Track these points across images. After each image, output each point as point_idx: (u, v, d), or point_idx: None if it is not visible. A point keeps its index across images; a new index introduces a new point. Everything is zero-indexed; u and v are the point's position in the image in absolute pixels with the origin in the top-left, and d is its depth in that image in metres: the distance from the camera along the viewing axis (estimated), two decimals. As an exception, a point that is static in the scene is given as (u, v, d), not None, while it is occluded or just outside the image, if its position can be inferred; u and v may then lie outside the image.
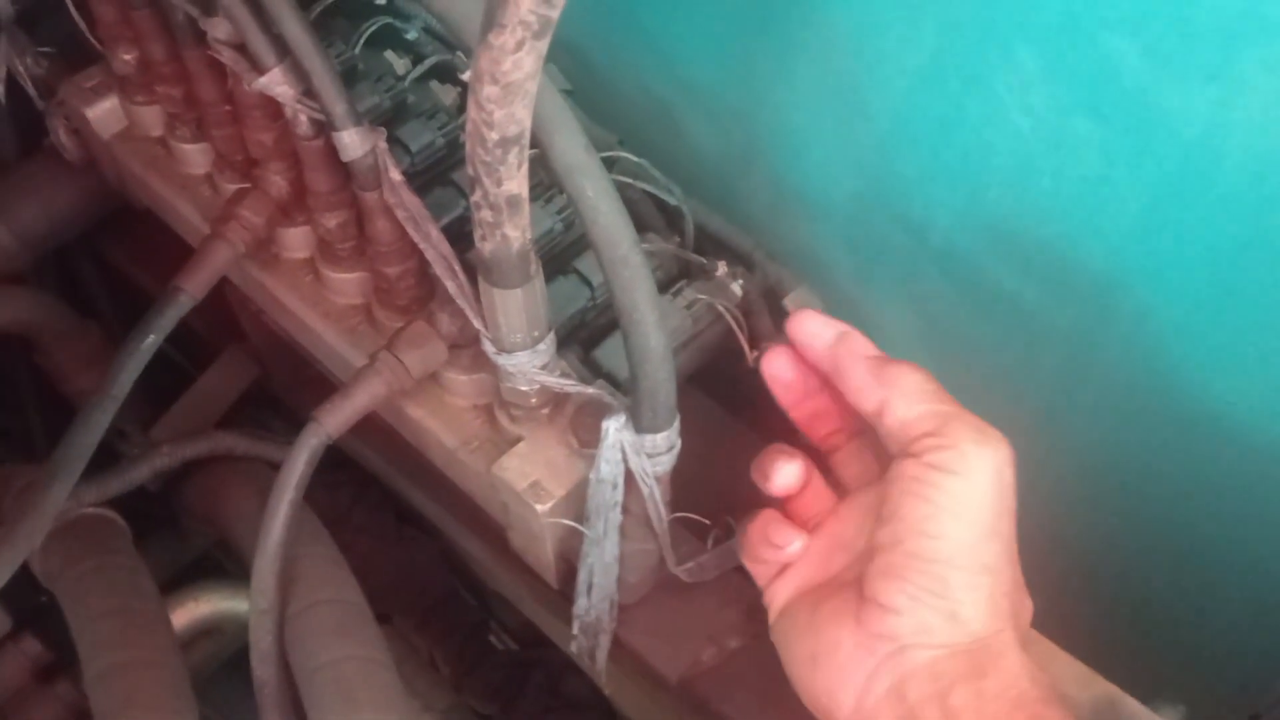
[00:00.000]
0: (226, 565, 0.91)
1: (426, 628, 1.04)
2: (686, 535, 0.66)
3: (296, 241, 0.71)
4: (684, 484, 0.62)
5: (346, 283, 0.68)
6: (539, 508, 0.59)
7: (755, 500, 0.70)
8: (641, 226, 0.74)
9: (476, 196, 0.48)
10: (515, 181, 0.48)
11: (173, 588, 0.82)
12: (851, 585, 0.50)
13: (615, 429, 0.55)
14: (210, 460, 0.78)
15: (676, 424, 0.56)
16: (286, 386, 0.92)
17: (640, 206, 0.75)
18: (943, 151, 0.65)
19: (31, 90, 0.86)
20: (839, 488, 0.56)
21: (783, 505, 0.56)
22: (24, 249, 0.90)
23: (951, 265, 0.68)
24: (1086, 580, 0.70)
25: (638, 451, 0.55)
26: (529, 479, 0.60)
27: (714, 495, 0.71)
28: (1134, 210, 0.58)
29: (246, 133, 0.67)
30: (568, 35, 0.86)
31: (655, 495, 0.58)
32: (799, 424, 0.56)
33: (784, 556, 0.54)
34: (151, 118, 0.78)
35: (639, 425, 0.55)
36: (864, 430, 0.54)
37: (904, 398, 0.48)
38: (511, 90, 0.43)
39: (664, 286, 0.69)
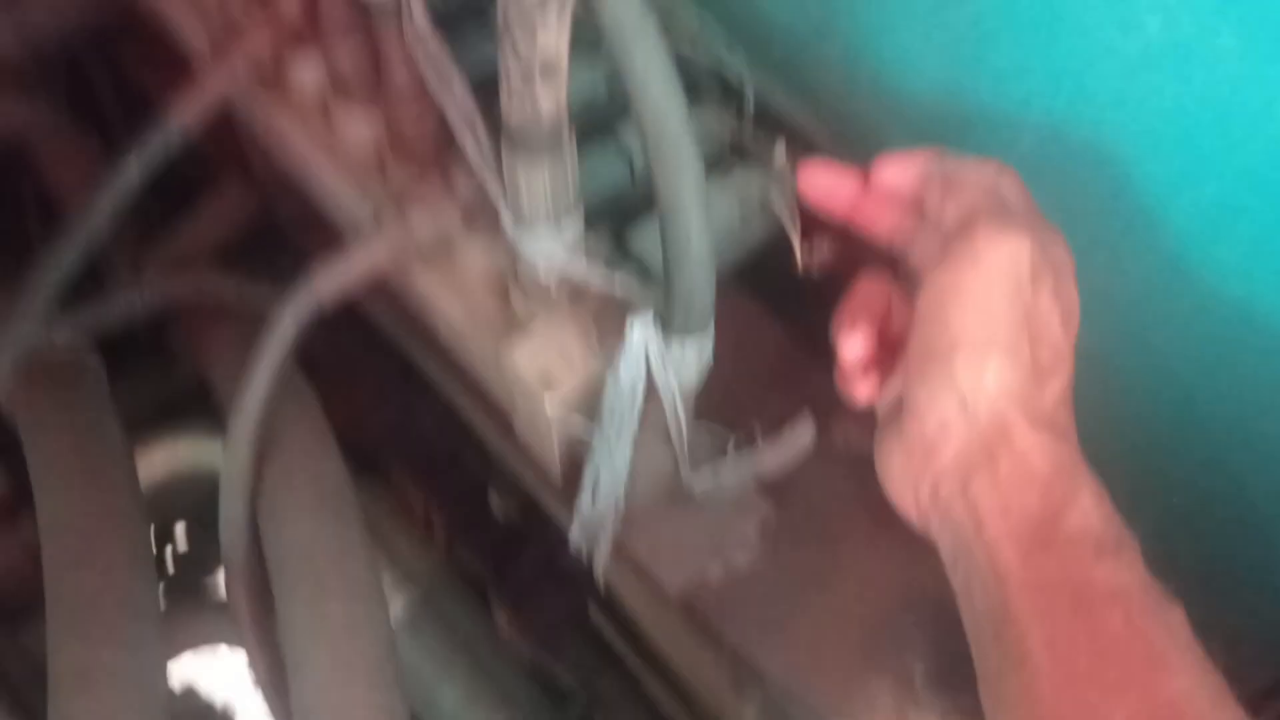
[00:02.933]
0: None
1: (425, 483, 1.00)
2: (706, 443, 0.61)
3: (308, 74, 0.63)
4: (709, 385, 0.56)
5: (359, 125, 0.61)
6: (547, 399, 0.54)
7: (785, 411, 0.64)
8: (694, 95, 0.66)
9: (506, 53, 0.41)
10: (553, 38, 0.40)
11: (160, 421, 0.78)
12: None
13: (640, 329, 0.49)
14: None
15: (711, 332, 0.49)
16: (296, 225, 0.85)
17: (694, 71, 0.67)
18: (1047, 46, 0.56)
19: None
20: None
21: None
22: (28, 49, 0.83)
23: (1037, 175, 0.60)
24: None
25: (663, 360, 0.49)
26: (539, 367, 0.54)
27: (742, 400, 0.65)
28: (1264, 137, 0.50)
29: (258, -58, 0.59)
30: None
31: (678, 408, 0.52)
32: (858, 230, 0.55)
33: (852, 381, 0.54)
34: (160, -87, 0.69)
35: (669, 329, 0.48)
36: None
37: (956, 198, 0.49)
38: (558, -73, 0.35)
39: (712, 165, 0.62)
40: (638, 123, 0.43)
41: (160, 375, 0.86)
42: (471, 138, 0.50)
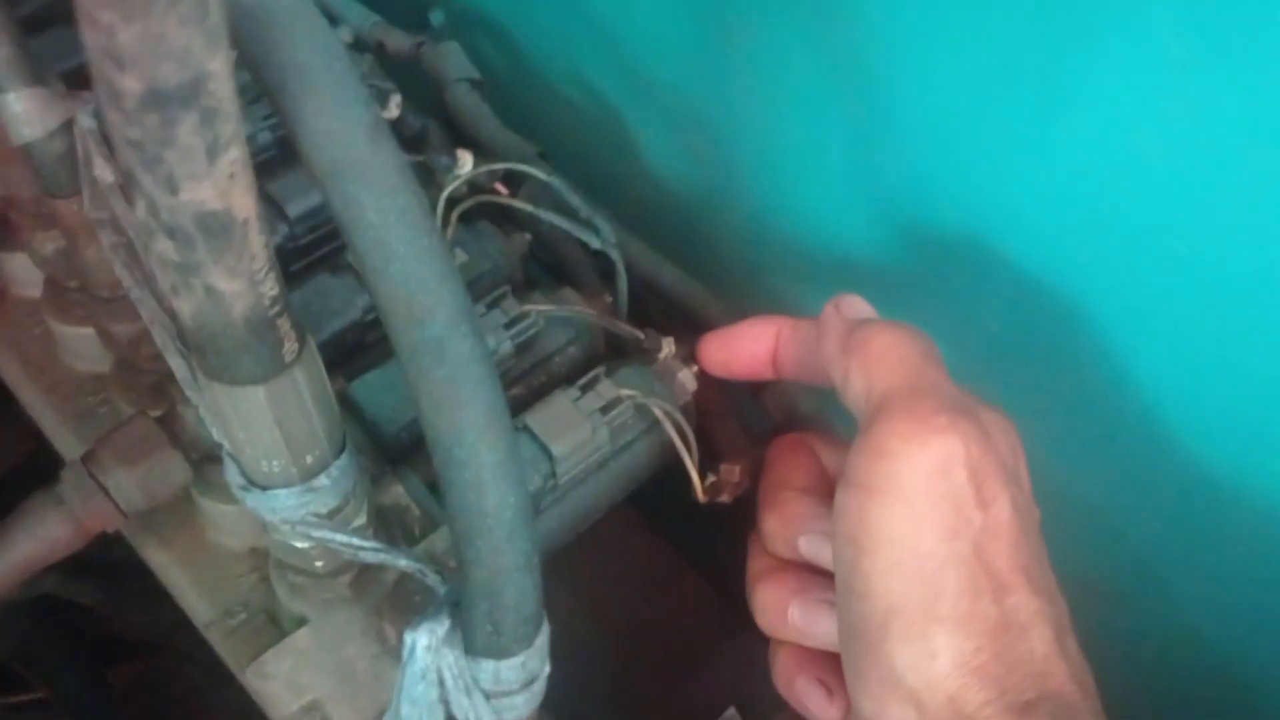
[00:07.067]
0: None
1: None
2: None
3: (25, 274, 0.47)
4: (606, 670, 0.38)
5: (80, 340, 0.44)
6: (318, 747, 0.35)
7: (703, 698, 0.46)
8: (562, 277, 0.51)
9: (141, 213, 0.24)
10: (209, 180, 0.24)
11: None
12: None
13: (425, 645, 0.30)
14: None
15: (543, 638, 0.31)
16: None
17: (563, 249, 0.52)
18: (1011, 183, 0.43)
19: None
20: None
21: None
22: None
23: (1006, 362, 0.45)
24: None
25: (468, 687, 0.31)
26: (303, 698, 0.35)
27: (646, 688, 0.47)
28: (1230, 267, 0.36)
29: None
30: (483, 6, 0.64)
31: (504, 756, 0.33)
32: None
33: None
34: None
35: (472, 644, 0.30)
36: None
37: (862, 370, 0.37)
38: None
39: (579, 371, 0.45)
40: (380, 314, 0.26)
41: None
42: (175, 349, 0.33)
